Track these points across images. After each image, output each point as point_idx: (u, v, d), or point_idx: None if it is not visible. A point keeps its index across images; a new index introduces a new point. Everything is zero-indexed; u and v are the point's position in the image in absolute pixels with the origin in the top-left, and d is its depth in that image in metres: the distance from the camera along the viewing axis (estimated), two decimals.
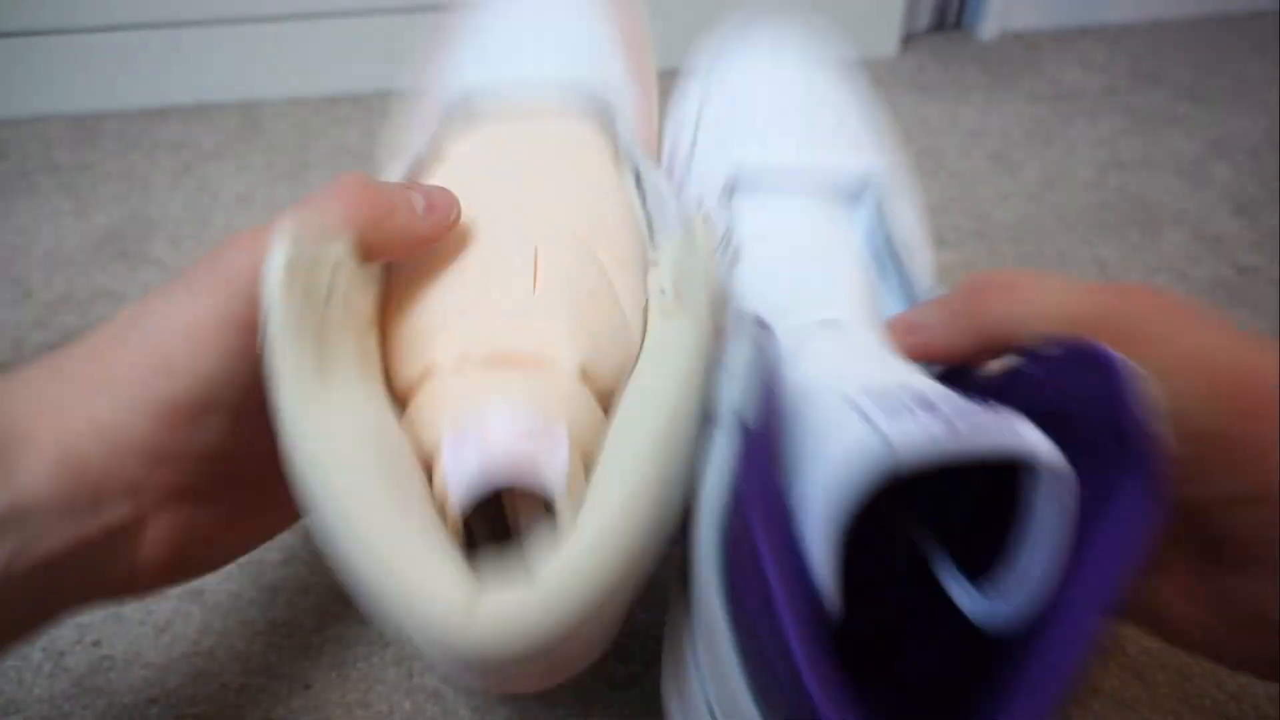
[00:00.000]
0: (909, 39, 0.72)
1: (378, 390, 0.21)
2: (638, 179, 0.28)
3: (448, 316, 0.22)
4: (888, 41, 0.69)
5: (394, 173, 0.27)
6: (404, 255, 0.23)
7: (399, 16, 0.62)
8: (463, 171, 0.27)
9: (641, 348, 0.23)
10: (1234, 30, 0.73)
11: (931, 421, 0.17)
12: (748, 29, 0.36)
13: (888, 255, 0.29)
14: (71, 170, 0.57)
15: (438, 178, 0.27)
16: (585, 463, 0.20)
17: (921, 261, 0.28)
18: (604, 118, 0.30)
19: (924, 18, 0.73)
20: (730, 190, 0.30)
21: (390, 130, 0.34)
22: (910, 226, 0.29)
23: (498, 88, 0.30)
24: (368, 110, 0.62)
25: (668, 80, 0.35)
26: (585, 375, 0.21)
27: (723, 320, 0.24)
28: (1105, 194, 0.55)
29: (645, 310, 0.24)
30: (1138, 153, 0.59)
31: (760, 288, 0.27)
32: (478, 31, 0.34)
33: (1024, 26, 0.74)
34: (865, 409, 0.18)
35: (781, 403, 0.20)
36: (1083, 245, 0.50)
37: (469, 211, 0.24)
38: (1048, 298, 0.20)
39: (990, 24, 0.73)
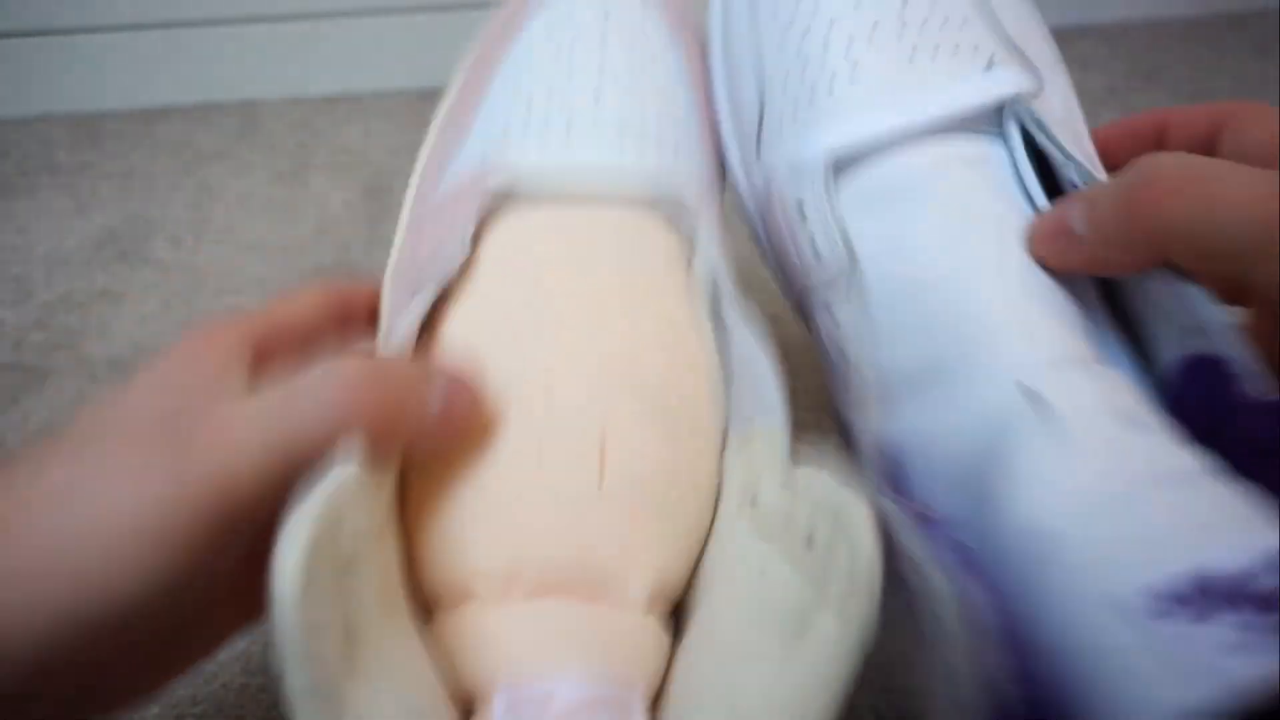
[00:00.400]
0: None
1: (407, 643, 0.17)
2: (715, 312, 0.23)
3: (491, 513, 0.18)
4: None
5: (414, 304, 0.21)
6: (399, 457, 0.19)
7: (399, 16, 0.62)
8: (505, 296, 0.22)
9: (710, 544, 0.19)
10: (1234, 30, 0.73)
11: (1258, 641, 0.11)
12: None
13: (1042, 185, 0.23)
14: (71, 170, 0.57)
15: (467, 311, 0.22)
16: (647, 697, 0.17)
17: (1082, 152, 0.24)
18: (679, 219, 0.25)
19: None
20: (830, 174, 0.24)
21: (410, 200, 0.28)
22: (1063, 123, 0.24)
23: (547, 170, 0.24)
24: (368, 110, 0.62)
25: None
26: (656, 598, 0.18)
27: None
28: None
29: (719, 494, 0.20)
30: None
31: (907, 344, 0.21)
32: (521, 69, 0.27)
33: None
34: (1159, 643, 0.12)
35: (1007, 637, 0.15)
36: None
37: (512, 358, 0.20)
38: (1237, 196, 0.17)
39: None
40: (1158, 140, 0.25)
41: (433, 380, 0.19)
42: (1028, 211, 0.22)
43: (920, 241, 0.22)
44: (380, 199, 0.54)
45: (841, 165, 0.24)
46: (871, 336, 0.22)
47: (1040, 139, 0.23)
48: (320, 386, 0.17)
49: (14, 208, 0.54)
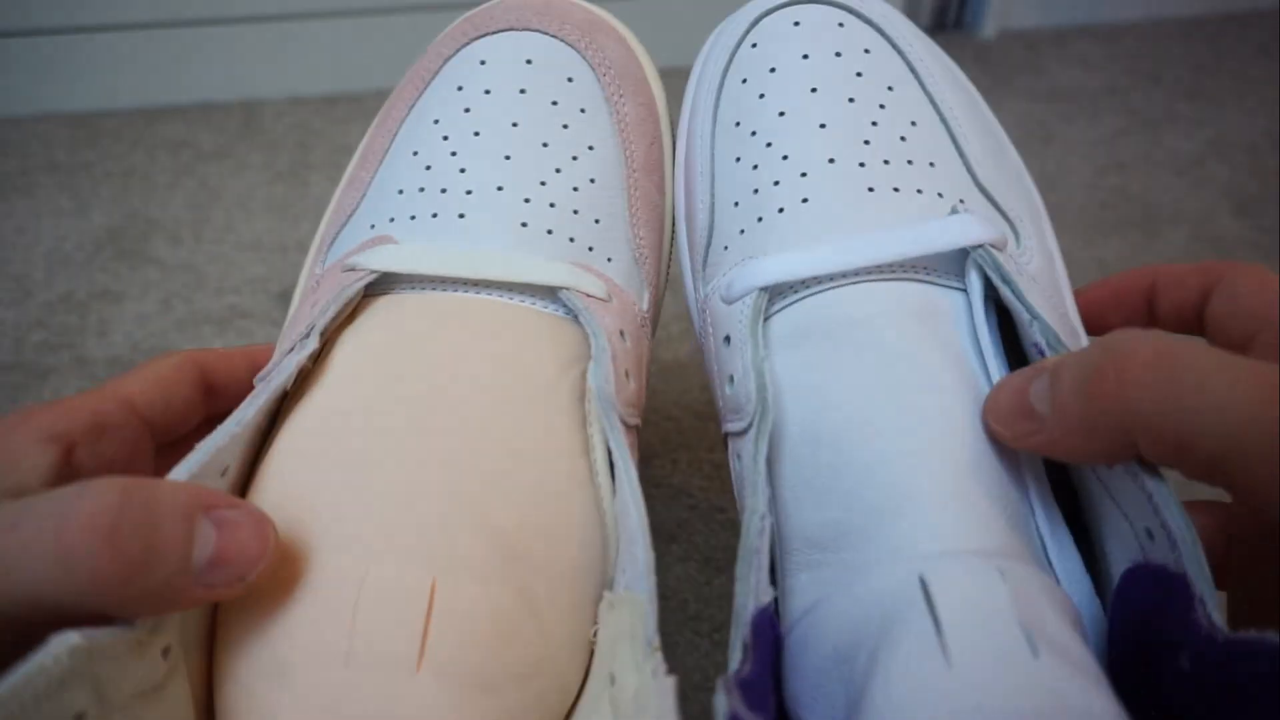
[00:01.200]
0: None
1: None
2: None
3: (292, 683, 0.16)
4: None
5: (246, 406, 0.19)
6: (167, 612, 0.16)
7: (399, 16, 0.62)
8: (352, 400, 0.20)
9: (577, 701, 0.18)
10: (1234, 30, 0.73)
11: None
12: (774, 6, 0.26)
13: (1000, 347, 0.21)
14: (72, 170, 0.57)
15: (309, 414, 0.20)
16: None
17: (1058, 312, 0.22)
18: (577, 332, 0.23)
19: (924, 17, 0.73)
20: (760, 310, 0.22)
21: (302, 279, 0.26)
22: (1037, 278, 0.22)
23: (430, 254, 0.22)
24: (367, 110, 0.62)
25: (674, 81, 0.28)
26: None
27: None
28: (1105, 193, 0.55)
29: (591, 643, 0.19)
30: (1138, 152, 0.59)
31: (812, 504, 0.20)
32: (422, 132, 0.25)
33: (1024, 26, 0.74)
34: None
35: None
36: (1082, 245, 0.50)
37: (341, 484, 0.18)
38: (1215, 386, 0.15)
39: (990, 23, 0.73)
40: (1146, 301, 0.23)
41: (207, 517, 0.16)
42: (977, 373, 0.20)
43: (845, 393, 0.20)
44: None
45: (777, 292, 0.22)
46: (775, 490, 0.20)
47: (1004, 292, 0.20)
48: (49, 526, 0.14)
49: (14, 207, 0.54)
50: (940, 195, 0.23)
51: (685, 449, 0.38)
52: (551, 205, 0.24)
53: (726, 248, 0.24)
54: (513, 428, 0.20)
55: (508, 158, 0.24)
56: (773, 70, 0.24)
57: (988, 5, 0.72)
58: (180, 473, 0.17)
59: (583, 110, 0.25)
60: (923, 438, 0.19)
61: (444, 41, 0.26)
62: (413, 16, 0.62)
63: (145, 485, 0.15)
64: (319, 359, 0.21)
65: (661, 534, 0.34)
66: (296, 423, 0.20)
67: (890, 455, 0.19)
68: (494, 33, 0.25)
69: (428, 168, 0.24)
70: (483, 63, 0.25)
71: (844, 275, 0.21)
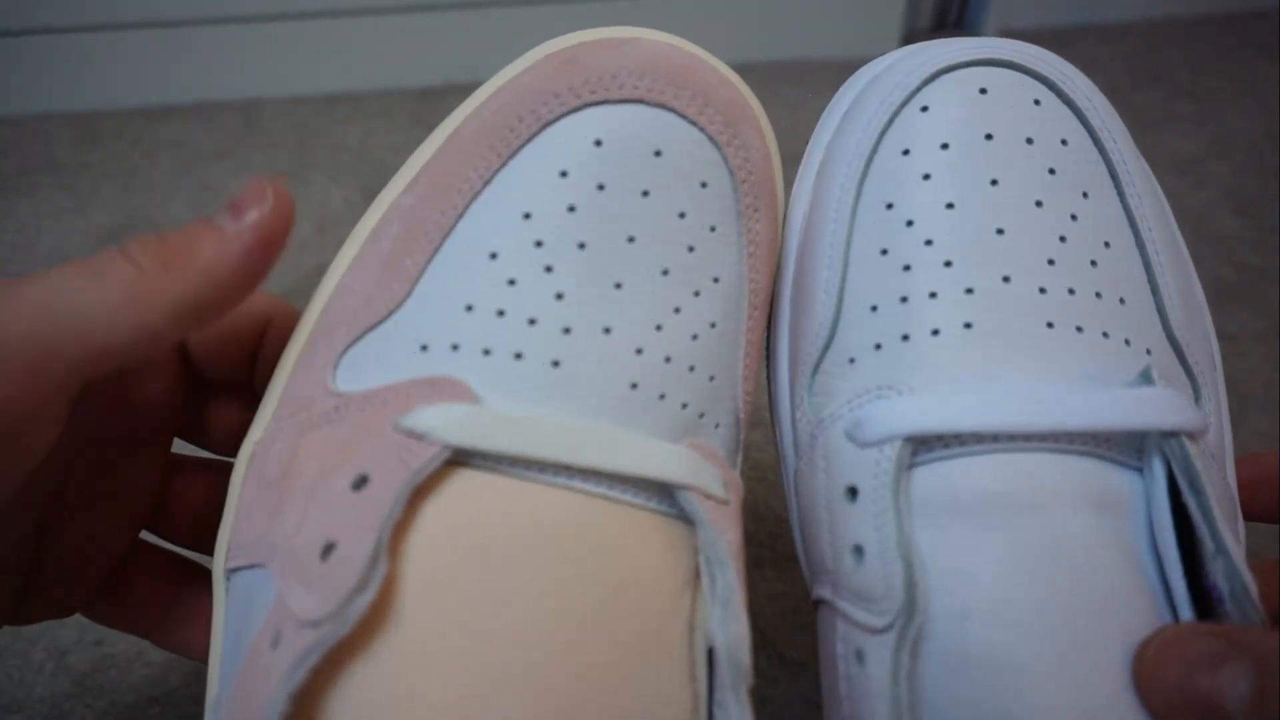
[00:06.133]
0: (910, 38, 0.72)
1: None
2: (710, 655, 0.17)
3: None
4: (888, 41, 0.69)
5: (299, 661, 0.14)
6: (232, 303, 0.17)
7: (399, 16, 0.62)
8: (409, 644, 0.15)
9: None
10: (1234, 30, 0.73)
11: None
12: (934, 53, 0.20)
13: (1181, 561, 0.17)
14: (72, 169, 0.57)
15: (367, 654, 0.15)
16: None
17: (1228, 500, 0.18)
18: (688, 540, 0.18)
19: (925, 17, 0.73)
20: (904, 464, 0.17)
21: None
22: (1216, 460, 0.18)
23: (522, 438, 0.16)
24: (368, 110, 0.62)
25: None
26: None
27: None
28: None
29: None
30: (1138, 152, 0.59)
31: None
32: (500, 232, 0.18)
33: (1024, 25, 0.74)
34: None
35: None
36: None
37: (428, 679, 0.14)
38: None
39: (991, 23, 0.73)
40: None
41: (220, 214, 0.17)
42: (1157, 591, 0.16)
43: (1005, 605, 0.16)
44: None
45: (921, 441, 0.17)
46: (912, 710, 0.16)
47: (1190, 503, 0.17)
48: (96, 263, 0.16)
49: (14, 207, 0.54)
50: (1127, 343, 0.18)
51: None
52: (667, 360, 0.18)
53: (853, 361, 0.19)
54: (615, 688, 0.15)
55: (619, 286, 0.18)
56: (945, 147, 0.19)
57: (988, 5, 0.72)
58: None
59: (713, 229, 0.19)
60: (1104, 695, 0.15)
61: (538, 82, 0.19)
62: (413, 17, 0.62)
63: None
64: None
65: None
66: (359, 680, 0.15)
67: (1059, 711, 0.15)
68: (615, 102, 0.18)
69: (511, 282, 0.18)
70: (598, 143, 0.18)
71: (1010, 436, 0.17)
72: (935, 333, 0.18)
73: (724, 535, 0.17)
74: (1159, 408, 0.17)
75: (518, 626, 0.15)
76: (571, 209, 0.18)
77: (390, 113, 0.62)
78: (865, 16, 0.68)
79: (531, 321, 0.18)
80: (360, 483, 0.16)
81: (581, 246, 0.18)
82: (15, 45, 0.60)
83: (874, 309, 0.19)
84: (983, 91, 0.19)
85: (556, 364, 0.17)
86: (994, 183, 0.19)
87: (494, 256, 0.18)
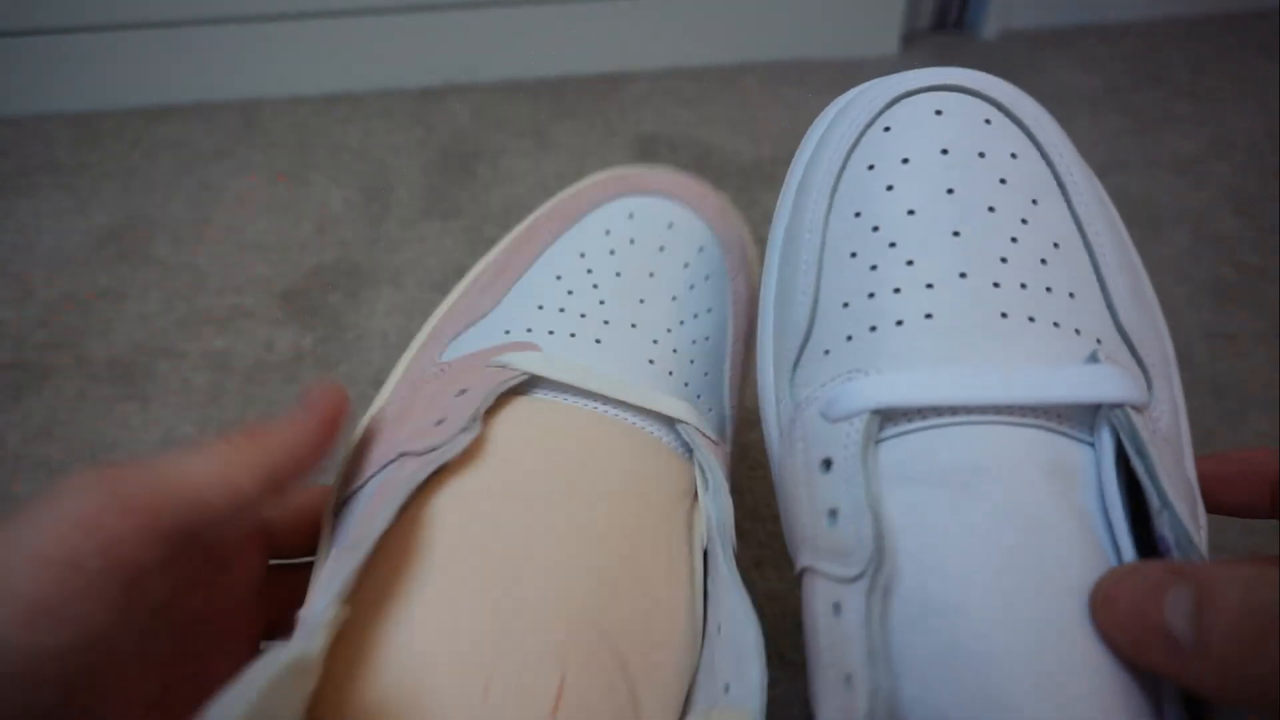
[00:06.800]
0: (910, 38, 0.72)
1: None
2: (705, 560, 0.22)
3: None
4: (889, 40, 0.69)
5: (418, 470, 0.21)
6: (304, 471, 0.21)
7: (399, 16, 0.62)
8: (498, 490, 0.21)
9: None
10: (1234, 30, 0.73)
11: None
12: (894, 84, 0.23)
13: (1130, 524, 0.18)
14: (72, 169, 0.57)
15: (456, 492, 0.21)
16: None
17: (1181, 481, 0.19)
18: (687, 468, 0.24)
19: (925, 17, 0.73)
20: (872, 435, 0.19)
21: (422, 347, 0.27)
22: (1167, 442, 0.20)
23: (574, 368, 0.24)
24: (368, 110, 0.62)
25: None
26: None
27: None
28: (1106, 193, 0.55)
29: None
30: (1138, 152, 0.59)
31: (925, 684, 0.17)
32: (568, 260, 0.27)
33: (1025, 25, 0.74)
34: None
35: None
36: None
37: (482, 566, 0.19)
38: None
39: (991, 23, 0.73)
40: (1273, 490, 0.21)
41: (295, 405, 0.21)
42: (1108, 550, 0.18)
43: (963, 558, 0.17)
44: (381, 198, 0.54)
45: (888, 417, 0.19)
46: (885, 660, 0.17)
47: (1136, 465, 0.18)
48: (217, 449, 0.19)
49: (14, 207, 0.54)
50: (1078, 332, 0.20)
51: None
52: (674, 351, 0.26)
53: (828, 352, 0.21)
54: (631, 543, 0.21)
55: (642, 301, 0.26)
56: (905, 161, 0.21)
57: (988, 5, 0.72)
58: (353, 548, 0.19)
59: (707, 277, 0.28)
60: (1041, 637, 0.16)
61: (594, 189, 0.28)
62: (413, 17, 0.62)
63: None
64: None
65: None
66: (447, 493, 0.21)
67: (1003, 654, 0.16)
68: (644, 194, 0.28)
69: (570, 292, 0.26)
70: (631, 216, 0.28)
71: (967, 410, 0.19)
72: (899, 323, 0.20)
73: (714, 457, 0.23)
74: (1103, 382, 0.19)
75: (563, 482, 0.21)
76: (612, 252, 0.27)
77: (390, 113, 0.62)
78: (865, 16, 0.68)
79: (582, 315, 0.26)
80: (461, 392, 0.23)
81: (618, 275, 0.27)
82: (15, 45, 0.60)
83: (845, 305, 0.21)
84: (938, 113, 0.22)
85: (599, 341, 0.25)
86: (950, 191, 0.21)
87: (559, 278, 0.26)
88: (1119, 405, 0.19)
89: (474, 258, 0.49)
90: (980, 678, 0.16)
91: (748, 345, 0.28)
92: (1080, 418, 0.19)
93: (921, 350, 0.20)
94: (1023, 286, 0.20)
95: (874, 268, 0.21)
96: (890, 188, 0.21)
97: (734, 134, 0.60)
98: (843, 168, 0.22)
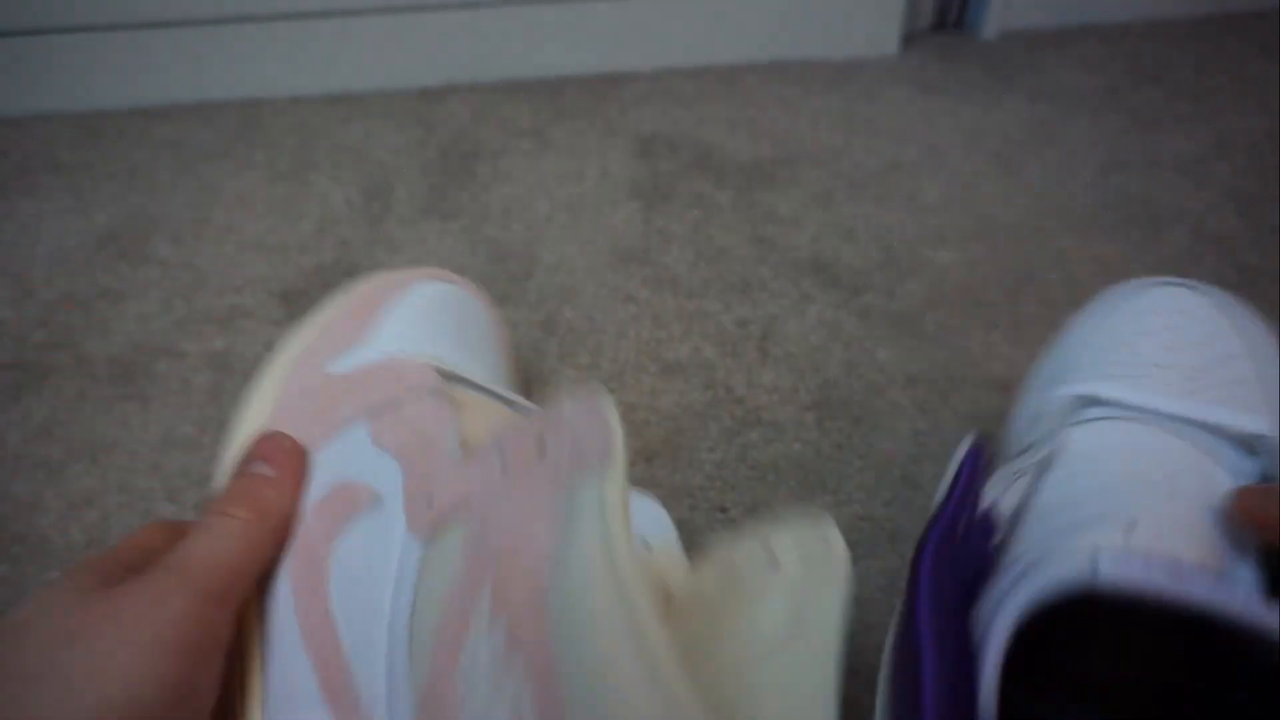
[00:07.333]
0: (910, 38, 0.72)
1: None
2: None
3: None
4: (889, 40, 0.69)
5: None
6: (289, 523, 0.24)
7: (399, 16, 0.62)
8: None
9: None
10: (1234, 30, 0.73)
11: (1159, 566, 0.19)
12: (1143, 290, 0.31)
13: None
14: (73, 169, 0.57)
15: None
16: None
17: None
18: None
19: (925, 17, 0.73)
20: (1073, 408, 0.28)
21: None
22: None
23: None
24: (368, 110, 0.62)
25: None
26: None
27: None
28: (1106, 193, 0.55)
29: None
30: (1139, 152, 0.59)
31: (1070, 498, 0.24)
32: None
33: (1025, 26, 0.74)
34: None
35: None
36: (1084, 245, 0.50)
37: None
38: None
39: (992, 23, 0.72)
40: None
41: (250, 459, 0.24)
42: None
43: (1115, 451, 0.25)
44: (381, 198, 0.54)
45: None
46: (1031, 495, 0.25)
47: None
48: (233, 499, 0.23)
49: (14, 207, 0.54)
50: (1247, 406, 0.26)
51: (685, 449, 0.38)
52: None
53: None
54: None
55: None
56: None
57: (989, 5, 0.72)
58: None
59: None
60: (1159, 488, 0.24)
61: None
62: (413, 17, 0.62)
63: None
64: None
65: None
66: None
67: (1124, 487, 0.24)
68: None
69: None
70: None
71: (1154, 413, 0.26)
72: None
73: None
74: (1251, 421, 0.25)
75: None
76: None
77: (390, 113, 0.62)
78: (865, 16, 0.68)
79: None
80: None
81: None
82: (15, 45, 0.60)
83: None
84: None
85: None
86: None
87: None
88: (1264, 437, 0.25)
89: (474, 257, 0.50)
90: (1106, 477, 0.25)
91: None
92: (1241, 442, 0.26)
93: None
94: (1208, 371, 0.28)
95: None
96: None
97: (734, 134, 0.60)
98: None
